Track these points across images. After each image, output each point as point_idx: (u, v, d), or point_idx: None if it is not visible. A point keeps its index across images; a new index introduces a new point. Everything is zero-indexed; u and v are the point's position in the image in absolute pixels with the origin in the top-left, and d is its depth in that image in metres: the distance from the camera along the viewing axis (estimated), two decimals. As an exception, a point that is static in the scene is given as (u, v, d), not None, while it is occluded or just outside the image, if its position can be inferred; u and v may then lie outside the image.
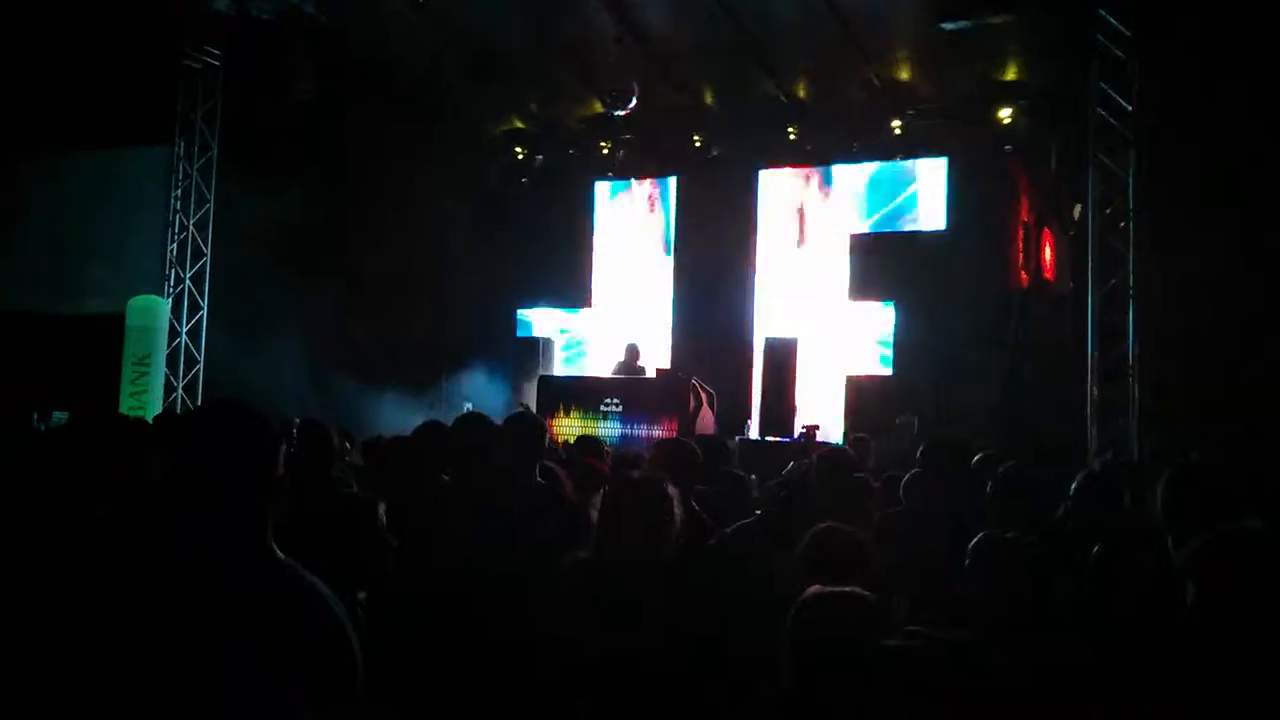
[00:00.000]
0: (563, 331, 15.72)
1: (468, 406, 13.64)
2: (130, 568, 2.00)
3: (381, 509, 2.75)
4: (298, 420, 5.56)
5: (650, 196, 16.05)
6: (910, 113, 13.64)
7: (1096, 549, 3.63)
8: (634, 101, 12.68)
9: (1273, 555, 2.28)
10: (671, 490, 3.17)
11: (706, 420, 11.64)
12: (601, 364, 14.27)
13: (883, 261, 14.02)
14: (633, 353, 12.89)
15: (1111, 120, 10.34)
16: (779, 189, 15.28)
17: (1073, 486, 4.25)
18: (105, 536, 2.72)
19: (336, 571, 2.39)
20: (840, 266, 14.53)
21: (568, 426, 11.59)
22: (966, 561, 2.62)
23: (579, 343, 15.75)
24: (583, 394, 12.07)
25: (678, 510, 3.12)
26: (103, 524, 2.82)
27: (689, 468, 4.21)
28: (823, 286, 14.66)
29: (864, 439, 9.01)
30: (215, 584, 1.91)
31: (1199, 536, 2.39)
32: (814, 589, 2.40)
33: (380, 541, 2.65)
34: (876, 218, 14.52)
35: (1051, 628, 2.45)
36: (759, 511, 4.26)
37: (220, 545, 1.96)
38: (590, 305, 16.09)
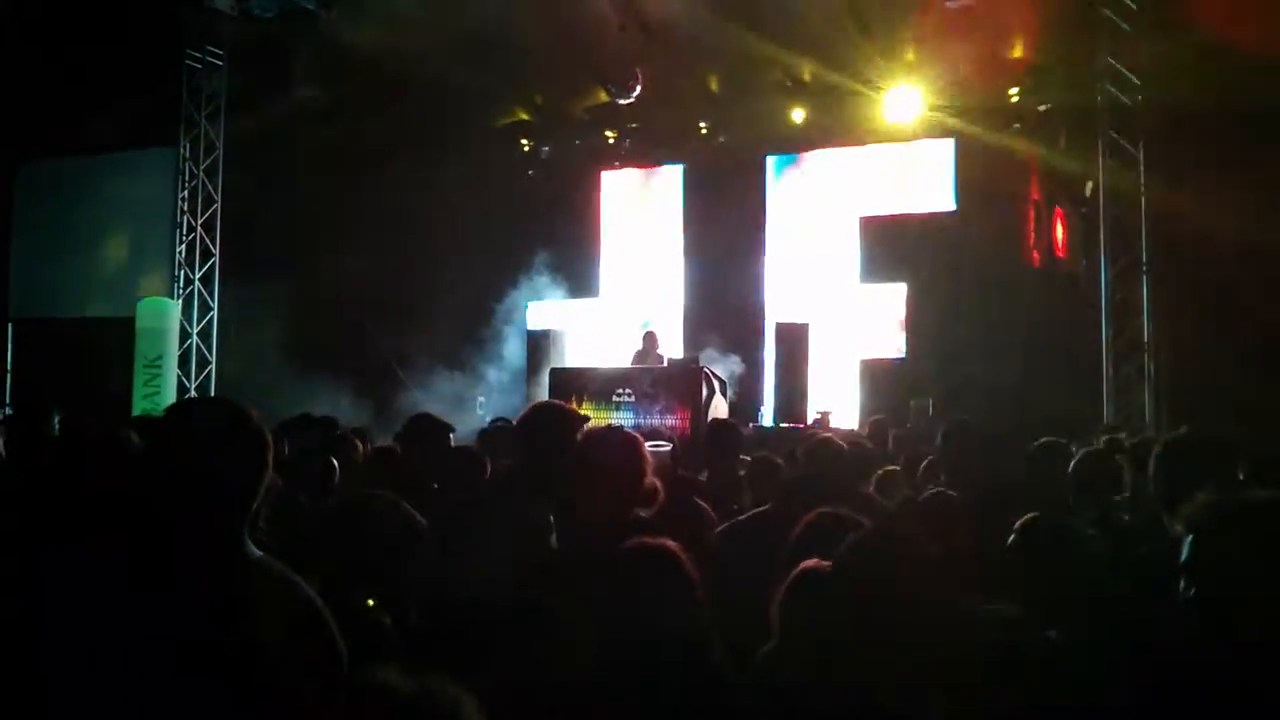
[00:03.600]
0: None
1: (480, 400, 13.67)
2: (106, 567, 1.98)
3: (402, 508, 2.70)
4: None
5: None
6: (917, 92, 13.55)
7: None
8: (639, 90, 12.62)
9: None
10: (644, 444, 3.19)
11: (719, 409, 11.59)
12: (612, 354, 14.23)
13: (893, 244, 13.96)
14: (650, 339, 12.84)
15: (1121, 96, 10.26)
16: (786, 173, 15.23)
17: (1071, 465, 4.17)
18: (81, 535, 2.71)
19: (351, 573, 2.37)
20: (851, 250, 14.47)
21: (581, 418, 11.52)
22: (1011, 539, 2.57)
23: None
24: (595, 385, 12.01)
25: (650, 463, 3.12)
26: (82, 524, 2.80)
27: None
28: (833, 270, 14.61)
29: (881, 421, 8.95)
30: (191, 583, 1.90)
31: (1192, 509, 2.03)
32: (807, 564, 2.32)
33: (395, 547, 2.60)
34: (886, 200, 14.45)
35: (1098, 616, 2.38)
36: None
37: (198, 544, 1.94)
38: (599, 295, 16.07)
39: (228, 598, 1.88)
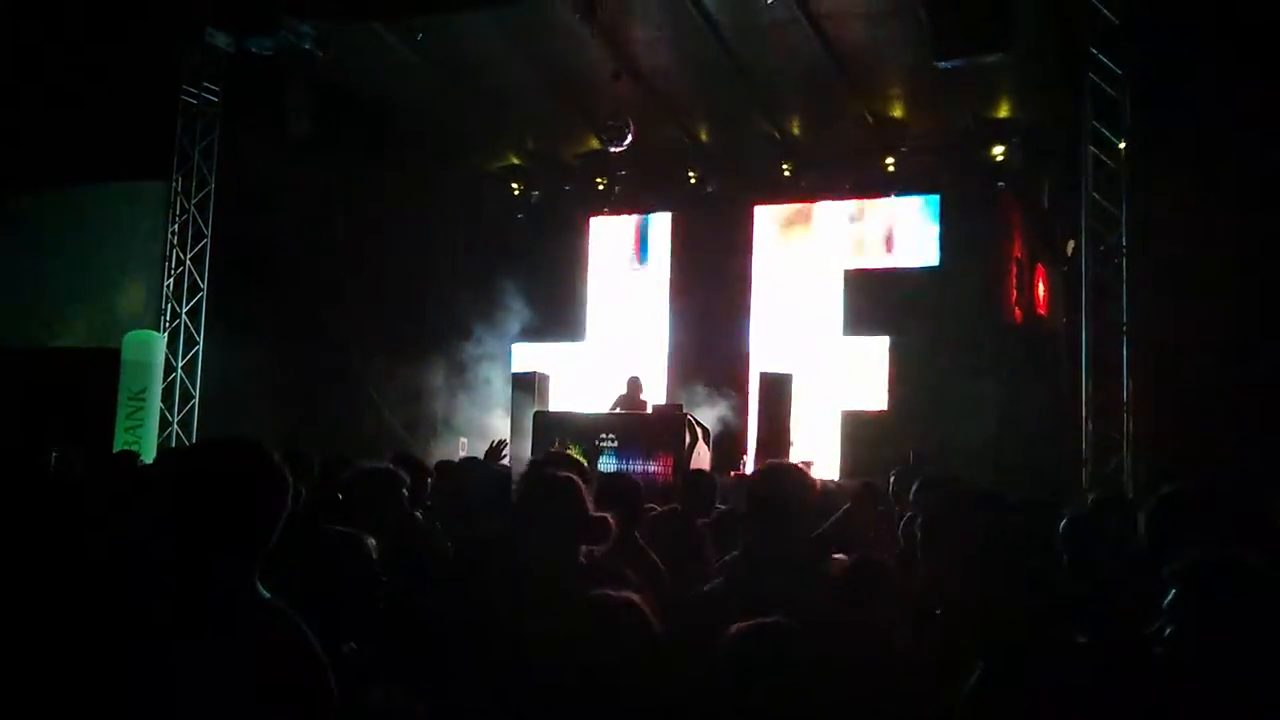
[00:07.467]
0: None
1: (463, 441, 13.66)
2: (118, 613, 2.00)
3: (371, 544, 2.68)
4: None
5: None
6: (903, 149, 13.75)
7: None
8: (630, 138, 12.75)
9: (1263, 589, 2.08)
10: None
11: (702, 456, 11.62)
12: (597, 398, 14.26)
13: (877, 297, 14.08)
14: (634, 385, 12.87)
15: (1104, 157, 10.40)
16: (773, 224, 15.38)
17: (1060, 526, 4.20)
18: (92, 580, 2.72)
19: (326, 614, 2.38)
20: (834, 302, 14.59)
21: (564, 462, 11.49)
22: None
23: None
24: (579, 430, 12.02)
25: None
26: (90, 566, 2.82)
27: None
28: (817, 322, 14.71)
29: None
30: (203, 628, 1.91)
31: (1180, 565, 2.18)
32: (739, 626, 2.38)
33: (369, 579, 2.60)
34: (870, 253, 14.60)
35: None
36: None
37: (210, 588, 1.96)
38: (585, 339, 16.13)
39: (233, 638, 1.90)
